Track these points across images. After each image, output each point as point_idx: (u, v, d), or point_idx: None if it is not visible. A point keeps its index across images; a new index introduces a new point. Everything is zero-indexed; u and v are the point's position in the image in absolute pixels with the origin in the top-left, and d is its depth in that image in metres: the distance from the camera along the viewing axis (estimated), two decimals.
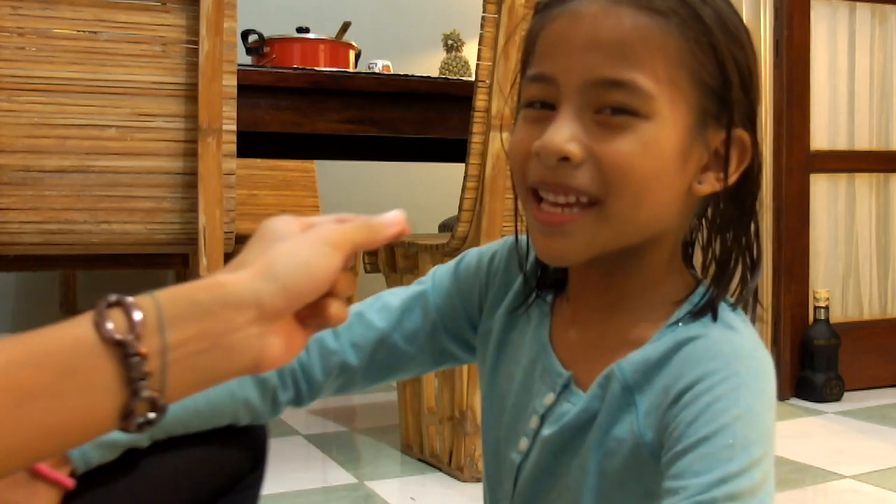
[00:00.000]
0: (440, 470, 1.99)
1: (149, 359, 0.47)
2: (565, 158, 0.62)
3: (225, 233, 1.70)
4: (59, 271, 2.90)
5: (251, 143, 2.10)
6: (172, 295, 0.49)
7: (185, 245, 1.73)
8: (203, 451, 0.74)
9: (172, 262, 2.82)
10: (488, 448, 0.77)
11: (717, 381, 0.60)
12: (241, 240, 2.74)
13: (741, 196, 0.67)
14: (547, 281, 0.74)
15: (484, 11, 1.84)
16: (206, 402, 0.71)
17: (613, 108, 0.62)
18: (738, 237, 0.68)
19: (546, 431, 0.69)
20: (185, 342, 0.48)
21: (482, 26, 1.85)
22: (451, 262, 0.80)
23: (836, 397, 2.75)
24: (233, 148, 1.70)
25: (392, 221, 0.58)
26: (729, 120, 0.65)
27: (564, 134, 0.62)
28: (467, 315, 0.79)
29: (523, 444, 0.71)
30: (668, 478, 0.58)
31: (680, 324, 0.65)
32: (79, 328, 0.47)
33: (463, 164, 1.89)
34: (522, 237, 0.75)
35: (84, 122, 1.61)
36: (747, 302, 0.68)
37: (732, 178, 0.66)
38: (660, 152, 0.62)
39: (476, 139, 1.86)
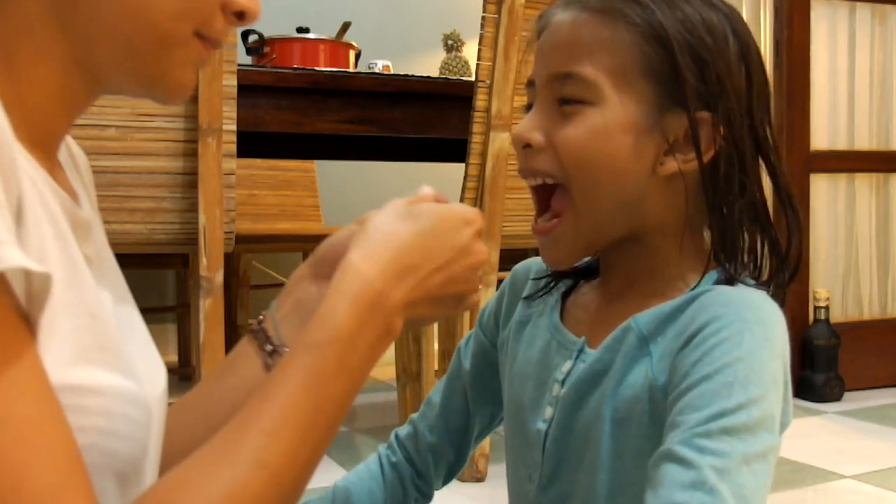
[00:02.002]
0: None
1: (269, 330, 0.76)
2: (528, 145, 0.72)
3: (225, 233, 1.70)
4: None
5: (251, 143, 2.10)
6: (281, 292, 0.79)
7: (185, 245, 1.73)
8: None
9: (172, 262, 2.82)
10: (512, 430, 0.80)
11: (723, 324, 0.63)
12: (241, 240, 2.73)
13: (720, 178, 0.70)
14: (564, 273, 0.81)
15: (484, 11, 1.85)
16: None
17: (568, 99, 0.70)
18: (731, 217, 0.71)
19: (563, 391, 0.73)
20: (287, 314, 0.76)
21: (482, 26, 1.85)
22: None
23: (836, 397, 2.75)
24: (233, 148, 1.70)
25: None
26: (687, 105, 0.68)
27: (529, 124, 0.72)
28: (493, 345, 0.87)
29: (547, 412, 0.74)
30: (671, 414, 0.61)
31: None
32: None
33: (463, 164, 1.89)
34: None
35: (84, 121, 1.61)
36: (781, 291, 0.72)
37: (705, 158, 0.69)
38: (607, 135, 0.69)
39: (476, 139, 1.87)
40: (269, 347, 0.75)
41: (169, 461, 0.60)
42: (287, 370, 0.57)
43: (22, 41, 0.55)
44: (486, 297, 1.90)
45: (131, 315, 0.67)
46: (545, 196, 0.73)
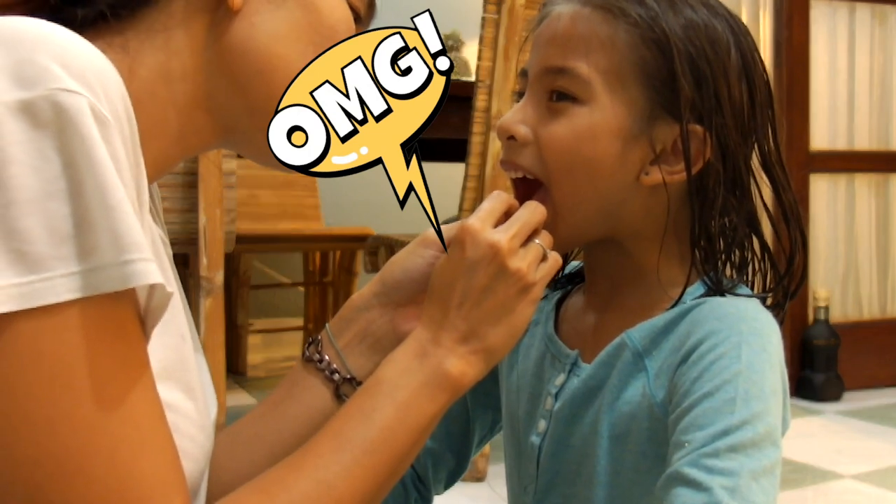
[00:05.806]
0: None
1: (332, 360, 0.72)
2: (512, 137, 0.69)
3: (225, 233, 1.70)
4: None
5: None
6: (334, 319, 0.75)
7: (185, 245, 1.73)
8: None
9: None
10: (509, 441, 0.80)
11: (720, 339, 0.62)
12: (241, 240, 2.74)
13: (707, 192, 0.68)
14: (558, 280, 0.79)
15: (484, 11, 1.85)
16: None
17: (558, 94, 0.68)
18: (715, 229, 0.70)
19: (556, 406, 0.72)
20: (349, 343, 0.73)
21: (482, 26, 1.85)
22: None
23: (836, 397, 2.75)
24: None
25: None
26: (680, 115, 0.67)
27: (516, 116, 0.70)
28: None
29: (541, 425, 0.74)
30: (675, 433, 0.60)
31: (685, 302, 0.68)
32: (295, 364, 0.75)
33: (463, 164, 1.89)
34: None
35: None
36: (778, 304, 0.72)
37: (693, 170, 0.68)
38: (593, 138, 0.67)
39: (476, 139, 1.87)
40: (336, 377, 0.72)
41: (222, 486, 0.64)
42: (341, 409, 0.63)
43: (157, 88, 0.58)
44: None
45: (196, 336, 0.69)
46: (525, 190, 0.70)
